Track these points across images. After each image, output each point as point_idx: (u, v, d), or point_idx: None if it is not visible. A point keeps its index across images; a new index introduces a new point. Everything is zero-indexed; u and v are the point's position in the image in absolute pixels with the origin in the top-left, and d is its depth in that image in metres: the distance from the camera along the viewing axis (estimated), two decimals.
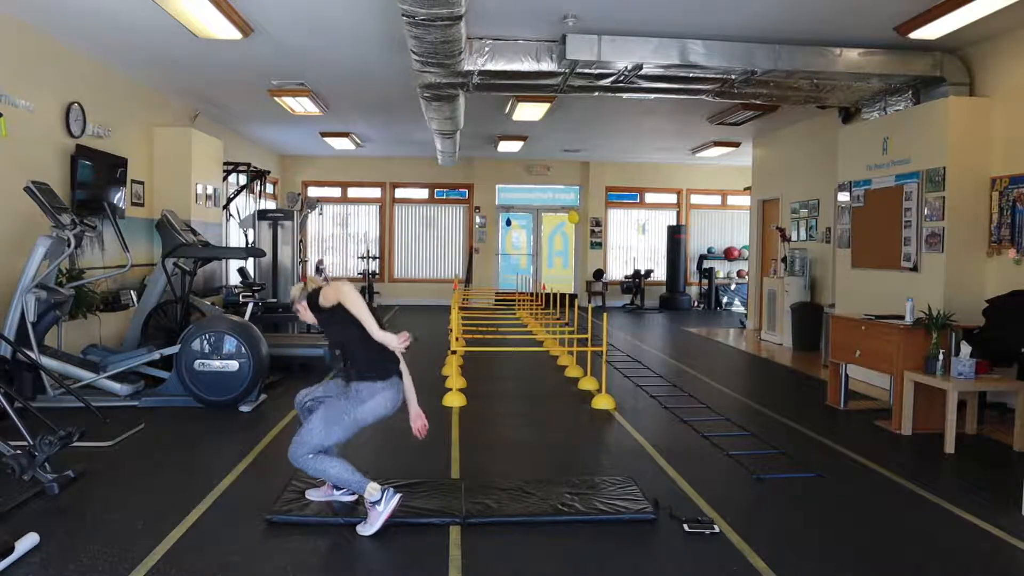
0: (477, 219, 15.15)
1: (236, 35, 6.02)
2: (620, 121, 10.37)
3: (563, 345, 8.32)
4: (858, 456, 4.56)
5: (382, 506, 3.21)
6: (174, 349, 5.59)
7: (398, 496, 3.28)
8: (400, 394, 3.41)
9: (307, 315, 3.47)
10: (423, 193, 15.39)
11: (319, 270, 12.21)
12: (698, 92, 6.78)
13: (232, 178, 10.84)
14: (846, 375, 5.93)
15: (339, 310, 3.26)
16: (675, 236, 14.74)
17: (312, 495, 3.52)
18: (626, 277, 15.12)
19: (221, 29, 5.85)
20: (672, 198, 15.59)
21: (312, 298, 3.37)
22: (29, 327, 5.26)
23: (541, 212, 15.59)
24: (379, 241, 15.33)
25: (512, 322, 11.11)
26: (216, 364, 5.46)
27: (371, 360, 3.35)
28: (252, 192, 11.59)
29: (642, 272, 14.78)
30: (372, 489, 3.24)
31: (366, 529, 3.21)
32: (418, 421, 3.51)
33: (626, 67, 6.08)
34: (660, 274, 15.11)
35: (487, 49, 6.07)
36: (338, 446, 3.43)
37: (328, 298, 3.28)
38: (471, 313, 11.69)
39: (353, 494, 3.34)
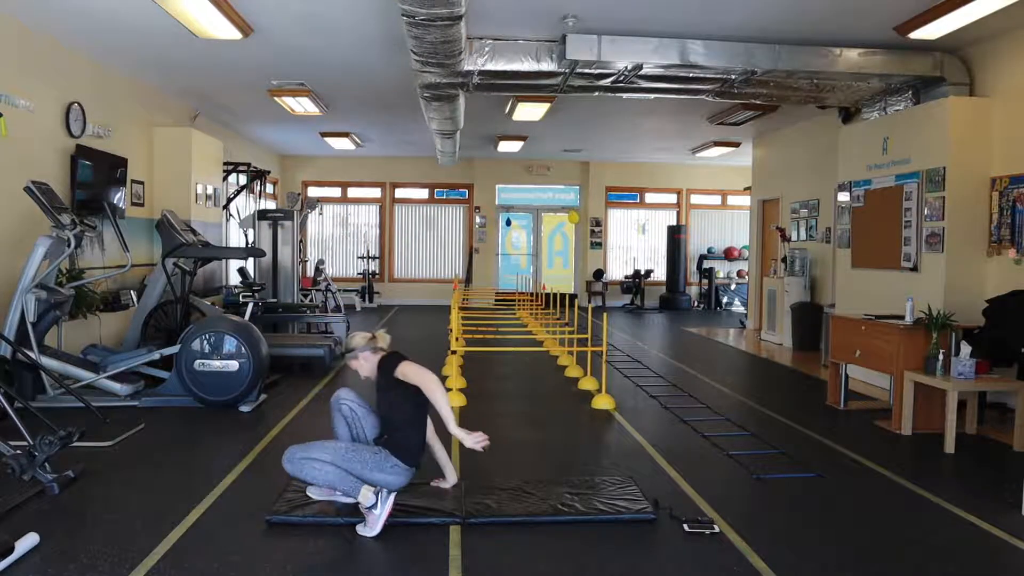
0: (477, 219, 15.15)
1: (236, 35, 6.02)
2: (620, 121, 10.37)
3: (563, 345, 8.32)
4: (858, 456, 4.56)
5: (378, 509, 3.22)
6: (174, 349, 5.59)
7: (392, 495, 3.28)
8: (408, 482, 3.48)
9: (366, 367, 3.51)
10: (423, 193, 15.39)
11: (319, 270, 12.21)
12: (698, 92, 6.78)
13: (232, 178, 10.84)
14: (846, 375, 5.93)
15: (407, 386, 3.32)
16: (675, 236, 14.74)
17: (314, 494, 3.51)
18: (626, 277, 15.12)
19: (221, 29, 5.86)
20: (672, 198, 15.59)
21: (387, 363, 3.40)
22: (29, 327, 5.25)
23: (541, 212, 15.59)
24: (379, 241, 15.33)
25: (512, 322, 11.11)
26: (216, 364, 5.46)
27: (410, 444, 3.45)
28: (252, 192, 11.59)
29: (642, 272, 14.78)
30: (366, 492, 3.24)
31: (367, 531, 3.20)
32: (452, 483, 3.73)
33: (626, 67, 6.08)
34: (660, 274, 15.12)
35: (487, 49, 6.07)
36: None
37: (406, 375, 3.32)
38: (471, 313, 11.69)
39: (348, 496, 3.34)
